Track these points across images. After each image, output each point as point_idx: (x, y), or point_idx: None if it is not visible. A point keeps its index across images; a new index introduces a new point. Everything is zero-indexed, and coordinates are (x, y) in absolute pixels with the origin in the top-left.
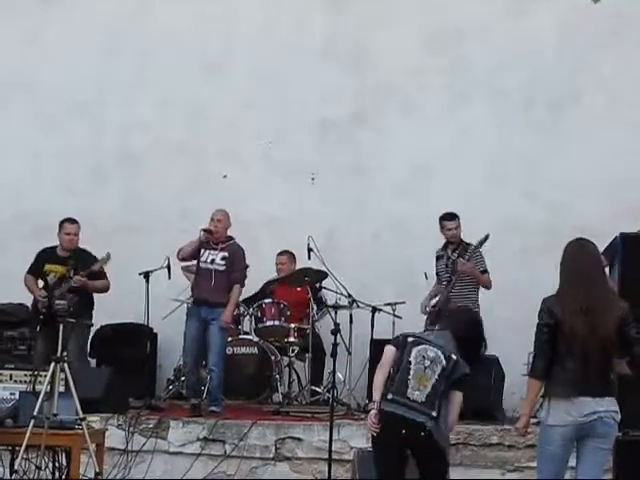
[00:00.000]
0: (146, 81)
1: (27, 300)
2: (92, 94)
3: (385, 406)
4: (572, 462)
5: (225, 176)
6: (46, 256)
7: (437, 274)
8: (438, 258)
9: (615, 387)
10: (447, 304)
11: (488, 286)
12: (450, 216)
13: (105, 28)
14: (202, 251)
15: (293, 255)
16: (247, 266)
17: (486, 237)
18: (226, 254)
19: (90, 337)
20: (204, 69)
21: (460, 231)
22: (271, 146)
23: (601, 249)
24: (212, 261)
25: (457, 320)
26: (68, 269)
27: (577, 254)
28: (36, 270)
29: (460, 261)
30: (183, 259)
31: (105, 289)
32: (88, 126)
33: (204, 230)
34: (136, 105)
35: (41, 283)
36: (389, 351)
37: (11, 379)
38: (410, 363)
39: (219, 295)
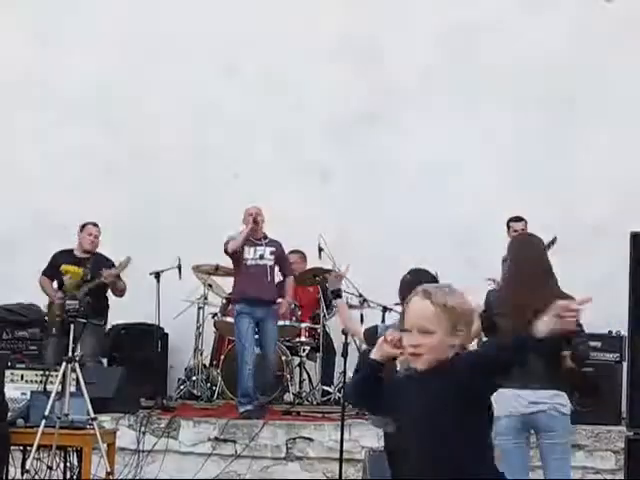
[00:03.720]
0: (159, 81)
1: (37, 300)
2: (105, 93)
3: None
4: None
5: (236, 175)
6: (62, 257)
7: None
8: (504, 260)
9: (561, 379)
10: None
11: None
12: (517, 218)
13: (119, 28)
14: (246, 249)
15: (304, 254)
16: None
17: (553, 240)
18: (273, 249)
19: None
20: (217, 68)
21: None
22: (284, 144)
23: (614, 248)
24: (261, 256)
25: None
26: (85, 272)
27: (519, 250)
28: (52, 272)
29: None
30: (233, 252)
31: (125, 290)
32: (100, 125)
33: (254, 220)
34: (148, 105)
35: (55, 284)
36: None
37: (22, 379)
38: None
39: (273, 291)
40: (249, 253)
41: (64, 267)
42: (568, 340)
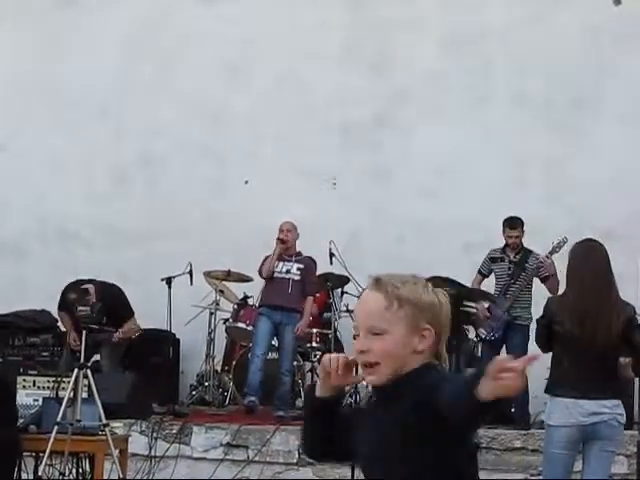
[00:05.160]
0: (167, 84)
1: (49, 306)
2: (113, 98)
3: None
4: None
5: (247, 182)
6: (72, 297)
7: (480, 272)
8: (494, 260)
9: (620, 389)
10: (506, 307)
11: (553, 290)
12: (512, 223)
13: (126, 32)
14: (276, 263)
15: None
16: (317, 279)
17: (562, 241)
18: (301, 265)
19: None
20: (225, 72)
21: (522, 238)
22: (293, 149)
23: (626, 251)
24: (288, 271)
25: None
26: (94, 303)
27: (583, 256)
28: (65, 308)
29: (548, 263)
30: (267, 277)
31: (137, 331)
32: (109, 130)
33: (279, 239)
34: (157, 109)
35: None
36: None
37: (34, 385)
38: None
39: (295, 302)
40: (277, 267)
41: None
42: (632, 347)
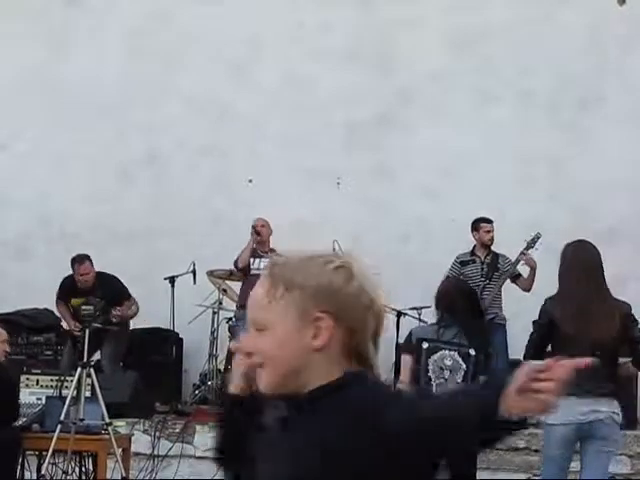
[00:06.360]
0: (171, 83)
1: (52, 305)
2: (117, 96)
3: None
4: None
5: (250, 180)
6: (70, 286)
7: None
8: (465, 263)
9: (617, 388)
10: (485, 307)
11: (527, 288)
12: (485, 219)
13: (130, 30)
14: (252, 260)
15: None
16: None
17: (537, 236)
18: None
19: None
20: (230, 71)
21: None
22: (297, 149)
23: (629, 250)
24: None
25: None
26: (98, 302)
27: (576, 256)
28: (64, 297)
29: (529, 257)
30: (243, 267)
31: (136, 314)
32: (113, 128)
33: (253, 226)
34: (161, 107)
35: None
36: (407, 362)
37: (38, 384)
38: (430, 379)
39: None
40: (254, 263)
41: (74, 301)
42: (630, 345)
